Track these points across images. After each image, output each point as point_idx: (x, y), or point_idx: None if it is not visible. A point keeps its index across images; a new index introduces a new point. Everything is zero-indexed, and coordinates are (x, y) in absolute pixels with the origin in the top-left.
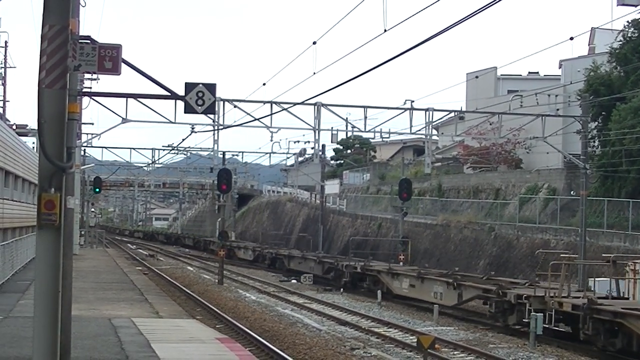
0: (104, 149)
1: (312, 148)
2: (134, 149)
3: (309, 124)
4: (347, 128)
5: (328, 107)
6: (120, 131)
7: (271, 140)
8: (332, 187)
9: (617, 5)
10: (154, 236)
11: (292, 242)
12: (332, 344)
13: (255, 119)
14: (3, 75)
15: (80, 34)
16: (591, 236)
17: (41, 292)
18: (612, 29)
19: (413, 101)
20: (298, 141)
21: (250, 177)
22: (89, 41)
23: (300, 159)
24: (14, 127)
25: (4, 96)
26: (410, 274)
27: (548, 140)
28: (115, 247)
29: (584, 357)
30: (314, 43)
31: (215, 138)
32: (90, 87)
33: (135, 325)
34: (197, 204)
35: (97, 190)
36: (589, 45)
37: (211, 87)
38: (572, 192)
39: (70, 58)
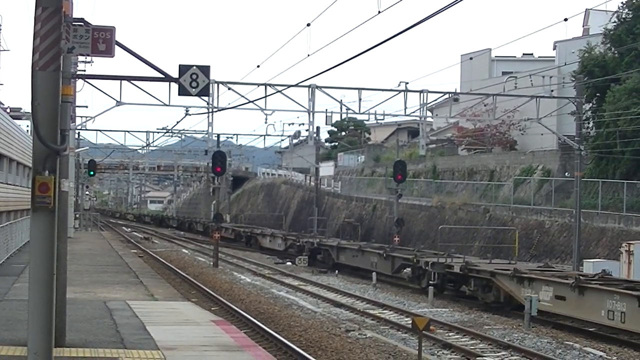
0: (98, 131)
1: (306, 130)
2: (128, 131)
3: (303, 106)
4: (341, 110)
5: (322, 89)
6: (115, 114)
7: (266, 123)
8: (326, 169)
9: None
10: (142, 218)
11: (287, 223)
12: (327, 325)
13: (250, 101)
14: None
15: (74, 16)
16: (586, 217)
17: (36, 275)
18: (606, 10)
19: (407, 83)
20: (292, 123)
21: (245, 160)
22: (82, 23)
23: (294, 141)
24: (8, 110)
25: None
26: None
27: (542, 122)
28: (110, 230)
29: (578, 338)
30: (308, 25)
31: (210, 120)
32: (84, 70)
33: (131, 308)
34: (192, 186)
35: (92, 173)
36: (583, 26)
37: (205, 70)
38: (566, 174)
39: (64, 40)
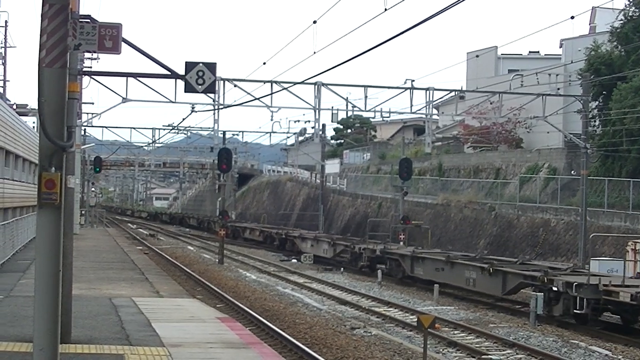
0: (104, 128)
1: (312, 127)
2: (134, 128)
3: (309, 104)
4: (347, 107)
5: (328, 86)
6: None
7: (271, 120)
8: (332, 166)
9: None
10: (159, 217)
11: (292, 221)
12: (333, 323)
13: (256, 99)
14: (3, 54)
15: (81, 13)
16: (592, 216)
17: (41, 272)
18: (613, 8)
19: (413, 80)
20: (298, 120)
21: (251, 157)
22: (89, 20)
23: (300, 138)
24: (15, 106)
25: (4, 76)
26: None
27: (549, 120)
28: (115, 226)
29: (583, 337)
30: (314, 22)
31: (216, 117)
32: (91, 67)
33: (136, 305)
34: (198, 183)
35: (97, 169)
36: (589, 24)
37: (211, 67)
38: (572, 172)
39: (71, 37)
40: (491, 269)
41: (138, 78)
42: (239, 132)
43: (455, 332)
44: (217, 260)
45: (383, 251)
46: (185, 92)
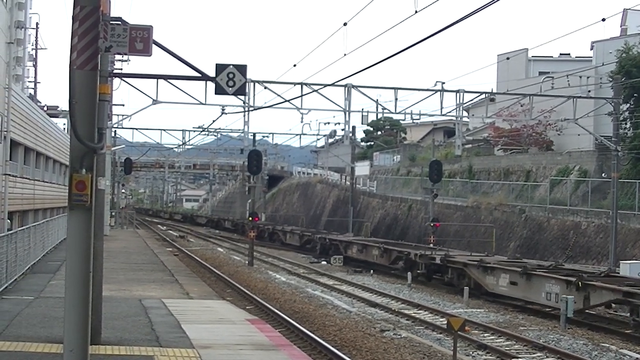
0: (134, 130)
1: (342, 129)
2: (164, 130)
3: (339, 106)
4: (377, 109)
5: (358, 88)
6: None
7: (301, 122)
8: (362, 168)
9: None
10: (193, 219)
11: (321, 223)
12: (362, 325)
13: (286, 100)
14: (34, 56)
15: (112, 15)
16: (622, 218)
17: (72, 273)
18: None
19: (444, 83)
20: (328, 122)
21: (281, 159)
22: (120, 22)
23: (330, 140)
24: (45, 108)
25: (35, 77)
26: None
27: (579, 122)
28: (145, 228)
29: (614, 340)
30: (345, 24)
31: (246, 119)
32: (121, 69)
33: (166, 306)
34: (227, 185)
35: (128, 171)
36: (621, 26)
37: (242, 69)
38: (603, 174)
39: (102, 39)
40: (580, 282)
41: (168, 80)
42: (269, 134)
43: (485, 334)
44: (247, 262)
45: (444, 259)
46: (215, 94)
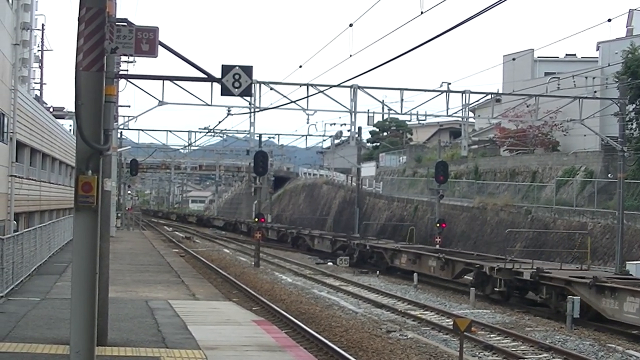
0: (140, 131)
1: (348, 130)
2: (170, 131)
3: (345, 107)
4: (383, 110)
5: (364, 89)
6: (157, 113)
7: (307, 123)
8: (368, 169)
9: None
10: (209, 221)
11: (328, 224)
12: (369, 326)
13: (292, 102)
14: (40, 58)
15: (117, 16)
16: (629, 219)
17: (78, 274)
18: None
19: (450, 83)
20: (334, 123)
21: (287, 160)
22: (126, 23)
23: (336, 141)
24: (51, 109)
25: (41, 79)
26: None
27: (585, 123)
28: (151, 229)
29: (620, 340)
30: (351, 25)
31: (252, 120)
32: (127, 70)
33: (172, 307)
34: (233, 186)
35: (134, 172)
36: (626, 27)
37: (248, 70)
38: (609, 175)
39: (108, 40)
40: None
41: (174, 81)
42: (275, 135)
43: (492, 335)
44: (253, 263)
45: (536, 275)
46: (221, 95)
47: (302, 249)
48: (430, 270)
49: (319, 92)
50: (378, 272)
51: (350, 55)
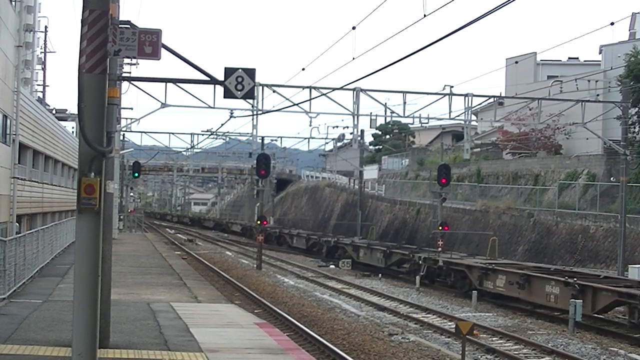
0: (143, 133)
1: (350, 133)
2: (173, 133)
3: (347, 109)
4: (386, 113)
5: (367, 92)
6: (160, 116)
7: (310, 125)
8: (370, 172)
9: None
10: (227, 226)
11: (330, 227)
12: (371, 329)
13: (294, 104)
14: (43, 60)
15: (120, 19)
16: (631, 222)
17: (81, 276)
18: None
19: (452, 86)
20: (337, 126)
21: (289, 162)
22: (129, 26)
23: (339, 144)
24: (54, 111)
25: (44, 81)
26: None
27: (588, 126)
28: (154, 231)
29: (622, 344)
30: (354, 28)
31: (254, 123)
32: (130, 72)
33: (174, 310)
34: (236, 188)
35: (136, 174)
36: (629, 30)
37: (251, 72)
38: (612, 178)
39: (110, 43)
40: None
41: (177, 84)
42: (278, 137)
43: (494, 338)
44: (255, 265)
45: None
46: (224, 97)
47: (333, 261)
48: (547, 299)
49: (321, 95)
50: (380, 275)
51: (353, 58)
